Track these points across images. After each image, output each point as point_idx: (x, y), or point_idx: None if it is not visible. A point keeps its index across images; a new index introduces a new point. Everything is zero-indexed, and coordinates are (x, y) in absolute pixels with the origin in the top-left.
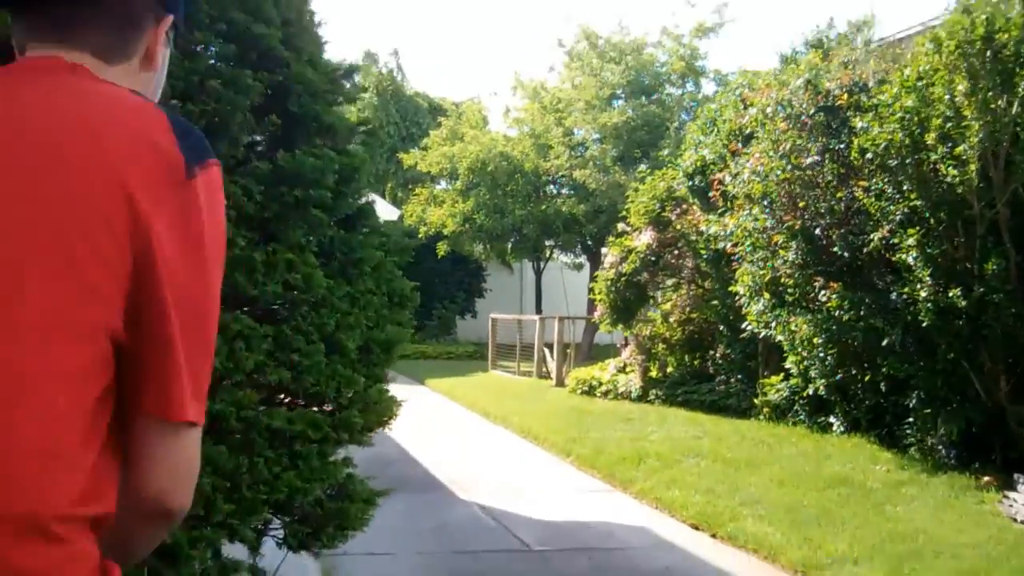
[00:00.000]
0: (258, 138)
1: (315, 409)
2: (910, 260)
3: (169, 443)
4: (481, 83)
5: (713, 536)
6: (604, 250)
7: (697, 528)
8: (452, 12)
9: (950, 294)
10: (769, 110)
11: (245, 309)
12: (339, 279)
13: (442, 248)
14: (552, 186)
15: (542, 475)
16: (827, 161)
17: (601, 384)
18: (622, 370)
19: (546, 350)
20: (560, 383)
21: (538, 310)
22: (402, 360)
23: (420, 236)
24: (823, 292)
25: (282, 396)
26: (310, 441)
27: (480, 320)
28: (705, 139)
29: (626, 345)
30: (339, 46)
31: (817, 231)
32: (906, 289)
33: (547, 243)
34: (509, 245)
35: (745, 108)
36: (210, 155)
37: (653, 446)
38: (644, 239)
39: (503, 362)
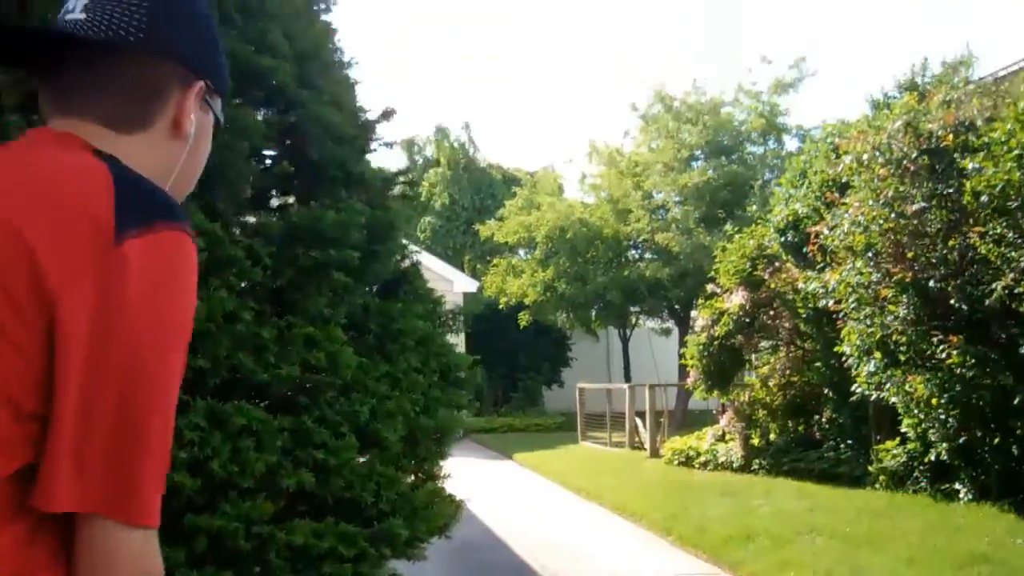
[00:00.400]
0: (271, 192)
1: (348, 520)
2: None
3: (82, 543)
4: (555, 152)
5: None
6: (694, 313)
7: None
8: (523, 83)
9: None
10: (865, 157)
11: (255, 398)
12: (375, 356)
13: (524, 318)
14: (634, 251)
15: (642, 558)
16: (935, 207)
17: (699, 454)
18: (721, 439)
19: (637, 420)
20: (655, 454)
21: (626, 378)
22: (489, 433)
23: (501, 307)
24: (941, 348)
25: (304, 505)
26: (342, 560)
27: (567, 390)
28: (796, 192)
29: (723, 412)
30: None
31: (931, 283)
32: None
33: (632, 309)
34: (593, 312)
35: (837, 157)
36: (162, 217)
37: (761, 522)
38: (736, 300)
39: (593, 433)
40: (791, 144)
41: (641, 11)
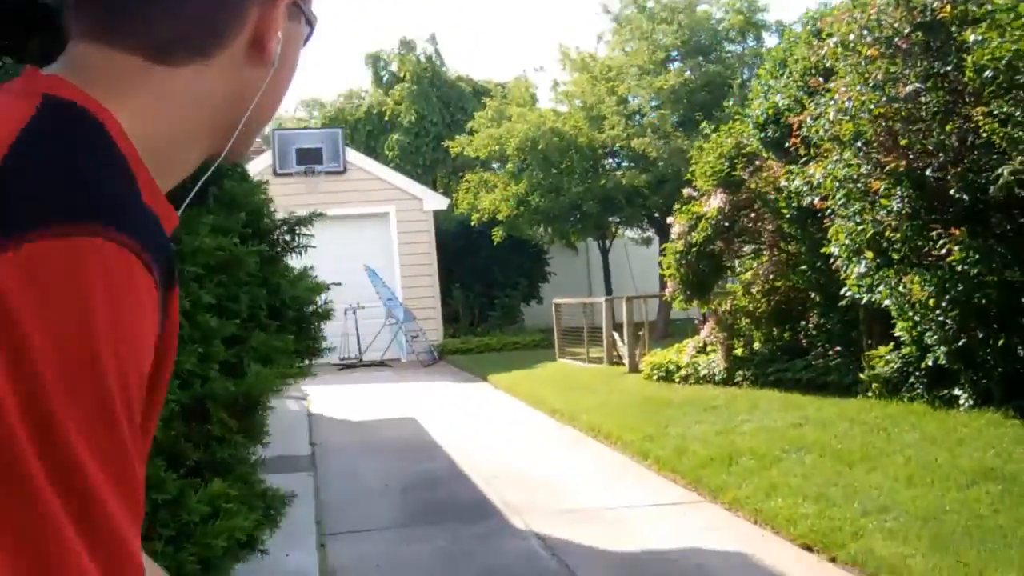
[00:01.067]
0: None
1: None
2: None
3: None
4: (526, 61)
5: (832, 560)
6: (670, 219)
7: (810, 549)
8: None
9: None
10: (852, 37)
11: None
12: None
13: (498, 234)
14: (610, 159)
15: (615, 486)
16: (931, 88)
17: (679, 368)
18: (702, 351)
19: (615, 334)
20: (634, 369)
21: (607, 291)
22: (465, 355)
23: (473, 223)
24: (941, 244)
25: None
26: None
27: (546, 306)
28: (775, 83)
29: (704, 322)
30: (374, 36)
31: (927, 173)
32: None
33: (610, 219)
34: (569, 225)
35: (820, 41)
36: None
37: (746, 440)
38: (714, 203)
39: (571, 349)
40: (771, 42)
41: None
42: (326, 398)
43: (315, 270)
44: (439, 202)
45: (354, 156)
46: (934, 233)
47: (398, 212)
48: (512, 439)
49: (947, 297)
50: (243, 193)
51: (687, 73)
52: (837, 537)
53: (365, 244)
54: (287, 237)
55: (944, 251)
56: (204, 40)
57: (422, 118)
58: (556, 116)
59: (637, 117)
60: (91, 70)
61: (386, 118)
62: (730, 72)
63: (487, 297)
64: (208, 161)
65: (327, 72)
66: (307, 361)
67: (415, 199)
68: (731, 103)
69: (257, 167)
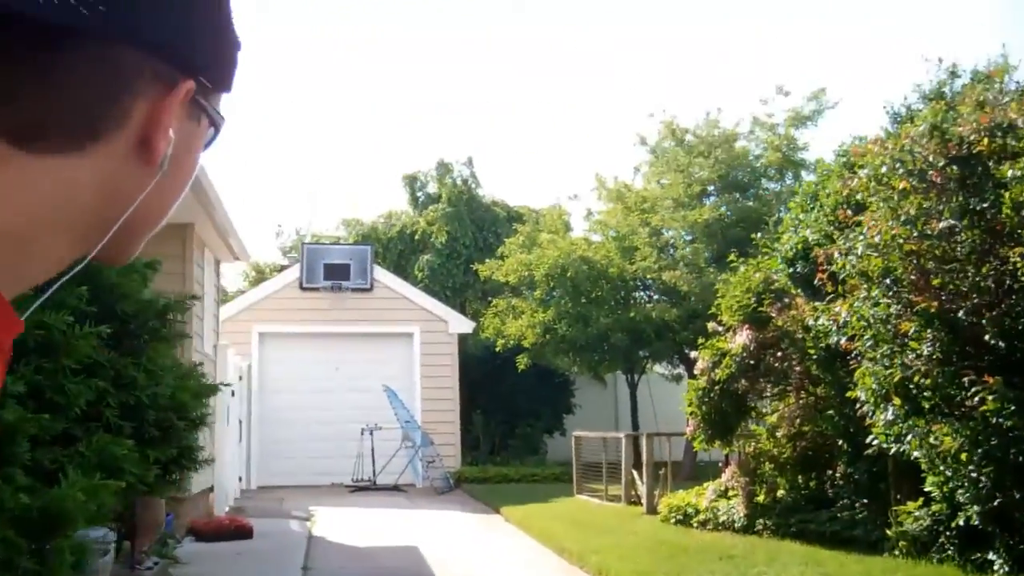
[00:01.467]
0: None
1: None
2: None
3: None
4: (561, 189)
5: None
6: (694, 354)
7: None
8: (528, 117)
9: None
10: (884, 169)
11: None
12: None
13: (523, 361)
14: (641, 291)
15: None
16: (966, 226)
17: (698, 512)
18: (723, 495)
19: (634, 472)
20: (651, 510)
21: (634, 426)
22: (481, 484)
23: (498, 349)
24: (974, 392)
25: None
26: None
27: (569, 438)
28: (806, 217)
29: (727, 465)
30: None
31: (960, 315)
32: None
33: (639, 353)
34: (596, 356)
35: (852, 172)
36: None
37: None
38: (740, 339)
39: (590, 485)
40: (810, 180)
41: (650, 40)
42: (332, 520)
43: (331, 383)
44: (465, 325)
45: (382, 274)
46: (966, 380)
47: (423, 333)
48: None
49: (980, 451)
50: (98, 266)
51: (722, 208)
52: None
53: (387, 363)
54: (155, 323)
55: (977, 400)
56: (77, 129)
57: (454, 240)
58: (587, 244)
59: (670, 250)
60: None
61: (417, 238)
62: (766, 209)
63: (509, 425)
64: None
65: (368, 192)
66: (175, 476)
67: (441, 321)
68: (759, 236)
69: (284, 280)
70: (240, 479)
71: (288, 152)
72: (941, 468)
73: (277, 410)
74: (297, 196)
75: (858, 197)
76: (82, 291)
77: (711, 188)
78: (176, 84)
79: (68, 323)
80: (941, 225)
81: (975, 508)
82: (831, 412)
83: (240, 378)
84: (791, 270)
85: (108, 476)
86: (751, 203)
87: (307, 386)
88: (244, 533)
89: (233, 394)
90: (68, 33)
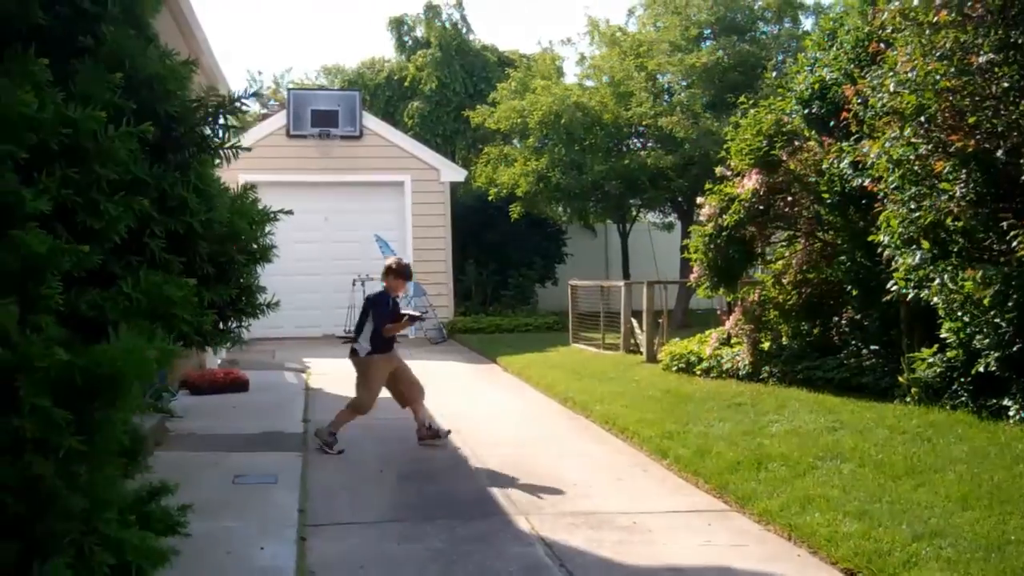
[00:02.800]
0: None
1: None
2: None
3: None
4: (554, 33)
5: None
6: (699, 200)
7: (855, 575)
8: None
9: None
10: (916, 2)
11: None
12: None
13: (516, 210)
14: (635, 139)
15: (631, 487)
16: (1005, 61)
17: (702, 360)
18: (726, 342)
19: (633, 320)
20: (652, 358)
21: (625, 275)
22: (475, 334)
23: (491, 198)
24: (1012, 236)
25: None
26: None
27: (561, 287)
28: (823, 55)
29: (729, 312)
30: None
31: (998, 154)
32: None
33: (632, 201)
34: (590, 204)
35: (875, 7)
36: None
37: (775, 443)
38: (749, 184)
39: (586, 334)
40: (808, 24)
41: None
42: (327, 371)
43: (319, 234)
44: (457, 174)
45: (371, 121)
46: (1004, 223)
47: (414, 182)
48: (520, 428)
49: (1013, 297)
50: (134, 50)
51: (720, 52)
52: (886, 563)
53: (378, 213)
54: (205, 129)
55: (1014, 244)
56: None
57: (444, 86)
58: (582, 91)
59: (666, 96)
60: None
61: (406, 84)
62: (764, 53)
63: (501, 275)
64: None
65: (349, 38)
66: (233, 324)
67: (432, 169)
68: (772, 75)
69: (271, 127)
70: None
71: None
72: (960, 314)
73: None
74: (274, 41)
75: (886, 32)
76: (116, 79)
77: (708, 31)
78: None
79: (101, 120)
80: (980, 59)
81: (994, 354)
82: (843, 258)
83: None
84: (806, 111)
85: (159, 324)
86: (749, 47)
87: (296, 236)
88: (240, 385)
89: None
90: None
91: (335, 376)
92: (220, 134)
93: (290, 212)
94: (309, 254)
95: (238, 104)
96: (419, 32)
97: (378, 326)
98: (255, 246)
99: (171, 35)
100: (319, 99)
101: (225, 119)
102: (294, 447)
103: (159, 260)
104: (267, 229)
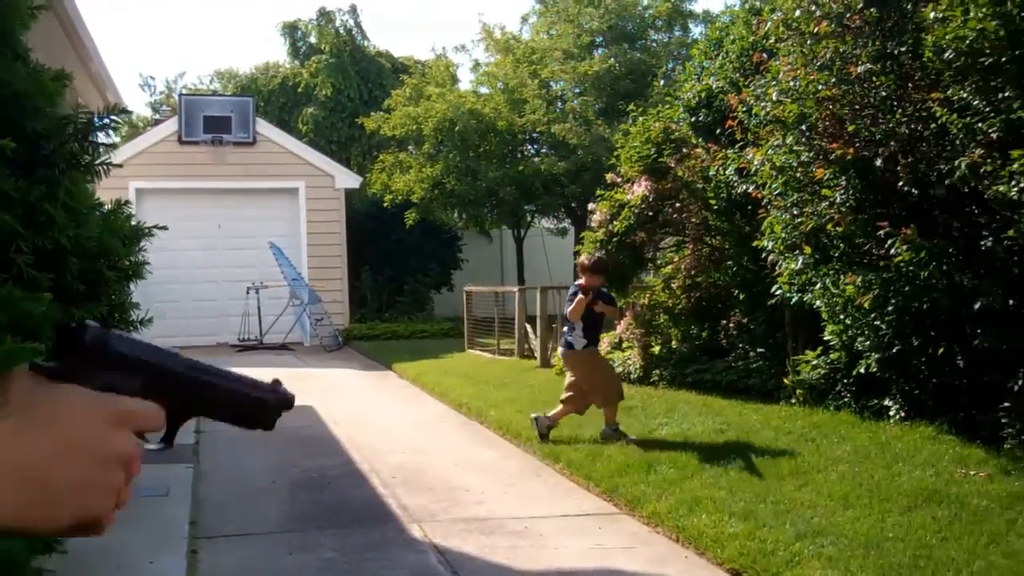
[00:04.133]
0: None
1: None
2: (1014, 193)
3: None
4: (448, 40)
5: None
6: (591, 206)
7: (740, 575)
8: None
9: None
10: (798, 12)
11: None
12: None
13: (411, 217)
14: (529, 145)
15: (523, 492)
16: (882, 70)
17: None
18: (618, 347)
19: (527, 326)
20: (546, 363)
21: (520, 281)
22: (370, 341)
23: (386, 204)
24: (891, 242)
25: None
26: None
27: (457, 293)
28: (710, 64)
29: (621, 317)
30: (292, 5)
31: (877, 162)
32: (1011, 232)
33: (526, 207)
34: (485, 210)
35: (759, 20)
36: None
37: (664, 446)
38: (639, 191)
39: (481, 339)
40: (697, 32)
41: None
42: None
43: (213, 241)
44: (352, 180)
45: (265, 127)
46: (881, 232)
47: (308, 188)
48: (415, 435)
49: (892, 301)
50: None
51: (611, 60)
52: (770, 563)
53: (272, 220)
54: (74, 146)
55: (891, 250)
56: None
57: (338, 92)
58: (476, 98)
59: (559, 103)
60: None
61: (300, 90)
62: (655, 61)
63: (396, 282)
64: None
65: (243, 43)
66: None
67: (327, 176)
68: (661, 84)
69: (162, 133)
70: None
71: None
72: (842, 317)
73: (157, 269)
74: (166, 47)
75: (769, 43)
76: None
77: (600, 39)
78: None
79: None
80: (859, 69)
81: (874, 356)
82: (729, 263)
83: None
84: (693, 119)
85: (23, 340)
86: (640, 55)
87: (188, 244)
88: None
89: None
90: None
91: None
92: (91, 151)
93: (164, 228)
94: (202, 261)
95: (108, 122)
96: (313, 38)
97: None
98: (127, 263)
99: (59, 43)
100: (212, 105)
101: (95, 136)
102: (186, 459)
103: (26, 277)
104: (141, 245)
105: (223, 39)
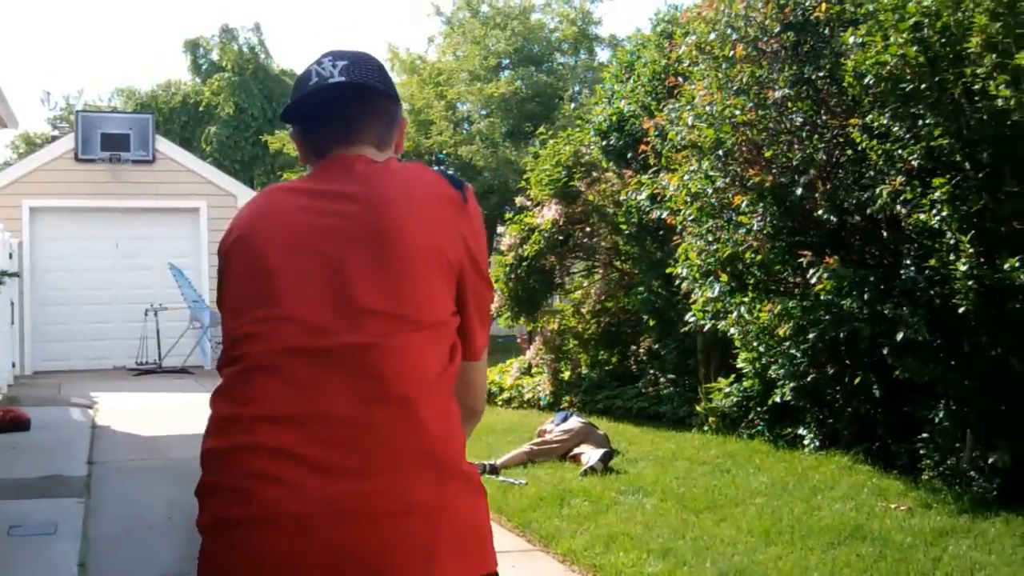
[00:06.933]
0: None
1: None
2: (935, 222)
3: (477, 371)
4: None
5: None
6: (500, 229)
7: None
8: None
9: (1005, 266)
10: (713, 36)
11: None
12: None
13: None
14: (436, 167)
15: None
16: (797, 95)
17: (503, 390)
18: (527, 372)
19: None
20: None
21: None
22: None
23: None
24: (812, 272)
25: None
26: None
27: None
28: (621, 87)
29: (530, 342)
30: (194, 22)
31: (798, 190)
32: (932, 262)
33: None
34: None
35: (671, 41)
36: (456, 181)
37: (576, 477)
38: (549, 215)
39: None
40: (603, 56)
41: None
42: (116, 407)
43: (110, 262)
44: None
45: (165, 146)
46: (803, 260)
47: (210, 208)
48: None
49: (813, 329)
50: None
51: (518, 82)
52: None
53: (173, 240)
54: None
55: (812, 279)
56: (389, 140)
57: (242, 111)
58: None
59: (466, 124)
60: (367, 153)
61: (202, 108)
62: (561, 84)
63: None
64: None
65: (144, 60)
66: None
67: (229, 195)
68: (571, 107)
69: (58, 150)
70: (14, 364)
71: (54, 10)
72: (755, 344)
73: (53, 290)
74: (66, 62)
75: (681, 67)
76: None
77: (506, 61)
78: (404, 116)
79: None
80: (776, 94)
81: (789, 384)
82: (640, 288)
83: (11, 256)
84: (604, 143)
85: None
86: (546, 78)
87: (85, 264)
88: (20, 425)
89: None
90: (377, 94)
91: (124, 412)
92: None
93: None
94: (99, 282)
95: None
96: (215, 55)
97: None
98: None
99: None
100: (110, 122)
101: None
102: (76, 493)
103: None
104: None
105: (124, 56)
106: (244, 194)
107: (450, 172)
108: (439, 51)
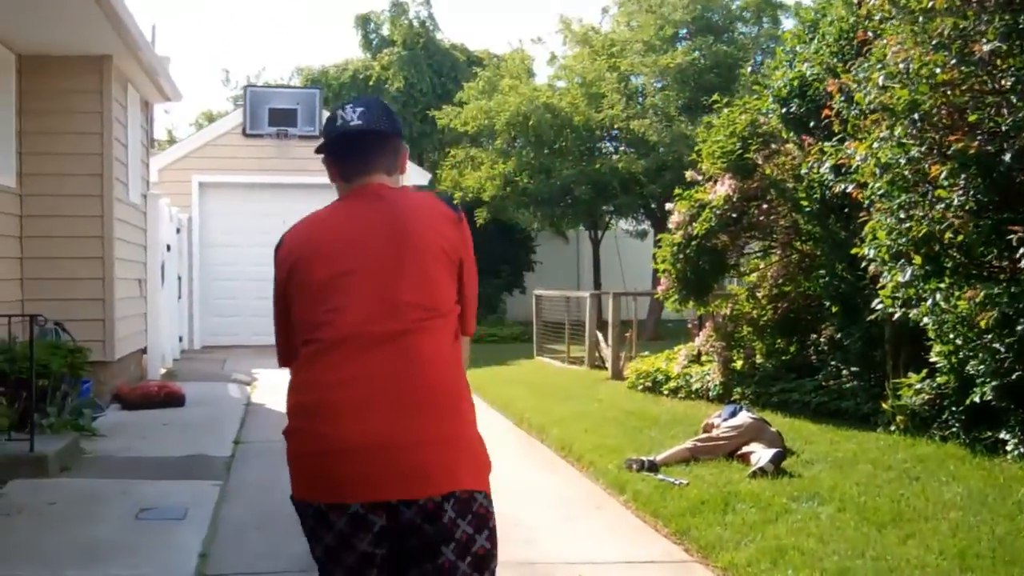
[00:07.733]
0: None
1: None
2: None
3: (464, 344)
4: (524, 31)
5: None
6: (669, 206)
7: None
8: None
9: None
10: None
11: None
12: None
13: (482, 215)
14: (607, 142)
15: (581, 529)
16: (1010, 51)
17: (669, 379)
18: (696, 360)
19: (599, 334)
20: (617, 375)
21: (596, 285)
22: None
23: (456, 202)
24: (1020, 252)
25: None
26: None
27: (530, 296)
28: (804, 49)
29: (700, 327)
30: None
31: (1007, 159)
32: None
33: (604, 207)
34: (559, 210)
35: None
36: (454, 205)
37: (745, 480)
38: (721, 190)
39: (551, 346)
40: (788, 25)
41: None
42: (275, 384)
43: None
44: (420, 177)
45: None
46: (1012, 239)
47: None
48: None
49: (1022, 319)
50: None
51: (695, 53)
52: None
53: None
54: None
55: (1022, 262)
56: (396, 168)
57: (411, 86)
58: (552, 91)
59: (639, 97)
60: (384, 181)
61: (372, 84)
62: (742, 54)
63: None
64: None
65: (322, 41)
66: None
67: None
68: (748, 71)
69: (226, 126)
70: (181, 339)
71: None
72: (951, 336)
73: (220, 265)
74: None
75: (871, 23)
76: None
77: (684, 31)
78: (405, 147)
79: None
80: (985, 49)
81: (990, 382)
82: (822, 271)
83: (179, 231)
84: (784, 110)
85: None
86: (726, 48)
87: (252, 240)
88: (175, 400)
89: (169, 248)
90: (387, 135)
91: (282, 391)
92: None
93: None
94: (266, 258)
95: None
96: (385, 30)
97: None
98: None
99: (99, 27)
100: (277, 97)
101: None
102: (215, 474)
103: None
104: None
105: (304, 38)
106: (410, 170)
107: (445, 196)
108: (613, 21)
